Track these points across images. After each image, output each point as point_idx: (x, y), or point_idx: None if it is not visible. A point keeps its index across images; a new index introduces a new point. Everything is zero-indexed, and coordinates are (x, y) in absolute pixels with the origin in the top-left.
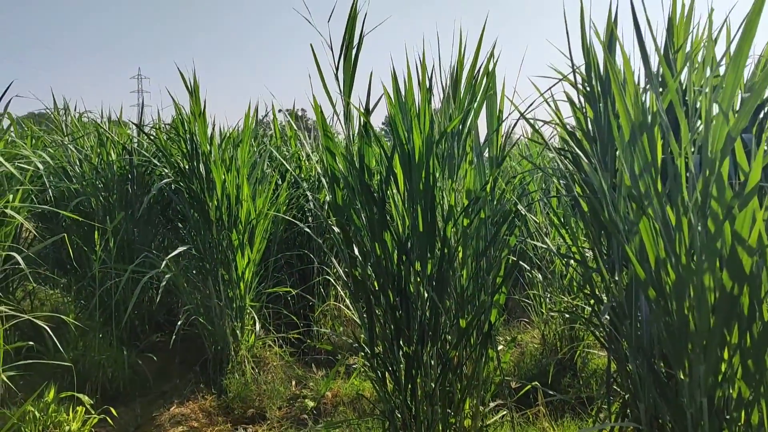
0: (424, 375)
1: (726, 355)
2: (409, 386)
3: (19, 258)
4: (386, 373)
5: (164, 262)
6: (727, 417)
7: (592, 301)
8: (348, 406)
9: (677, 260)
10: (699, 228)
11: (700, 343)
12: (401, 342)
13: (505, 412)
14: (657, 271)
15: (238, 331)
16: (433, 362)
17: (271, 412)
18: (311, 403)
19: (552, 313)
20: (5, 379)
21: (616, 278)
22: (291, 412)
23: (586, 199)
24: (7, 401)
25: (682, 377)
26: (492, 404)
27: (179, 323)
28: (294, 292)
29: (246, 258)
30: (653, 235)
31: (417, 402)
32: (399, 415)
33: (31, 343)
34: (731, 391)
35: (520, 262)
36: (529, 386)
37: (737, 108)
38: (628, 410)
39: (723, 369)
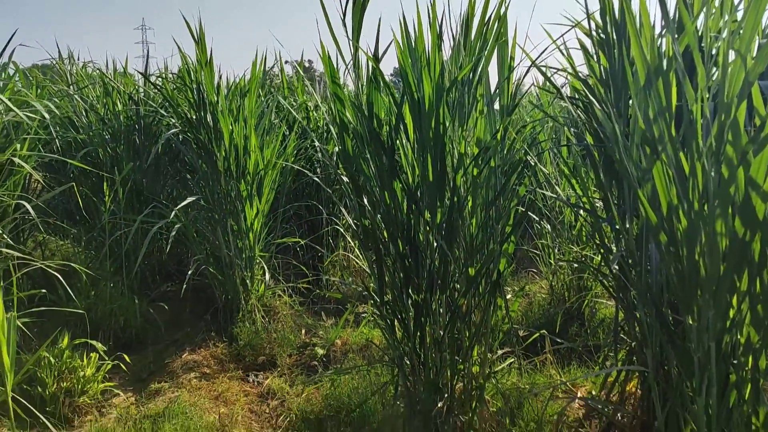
0: (432, 323)
1: (735, 302)
2: (418, 334)
3: (29, 207)
4: (395, 321)
5: (173, 212)
6: (734, 362)
7: (601, 251)
8: (357, 354)
9: (689, 206)
10: (713, 174)
11: (710, 288)
12: (410, 290)
13: (512, 360)
14: (669, 217)
15: (248, 281)
16: (441, 310)
17: (281, 360)
18: (321, 351)
19: (560, 263)
20: (20, 325)
21: (627, 226)
22: (301, 359)
23: (597, 148)
24: (23, 347)
25: (690, 322)
26: (500, 352)
27: (189, 273)
28: (303, 243)
29: (255, 209)
30: (666, 181)
31: (426, 349)
32: (408, 362)
33: (44, 291)
34: (739, 336)
35: (529, 213)
36: (536, 335)
37: (754, 54)
38: (635, 358)
39: (732, 315)
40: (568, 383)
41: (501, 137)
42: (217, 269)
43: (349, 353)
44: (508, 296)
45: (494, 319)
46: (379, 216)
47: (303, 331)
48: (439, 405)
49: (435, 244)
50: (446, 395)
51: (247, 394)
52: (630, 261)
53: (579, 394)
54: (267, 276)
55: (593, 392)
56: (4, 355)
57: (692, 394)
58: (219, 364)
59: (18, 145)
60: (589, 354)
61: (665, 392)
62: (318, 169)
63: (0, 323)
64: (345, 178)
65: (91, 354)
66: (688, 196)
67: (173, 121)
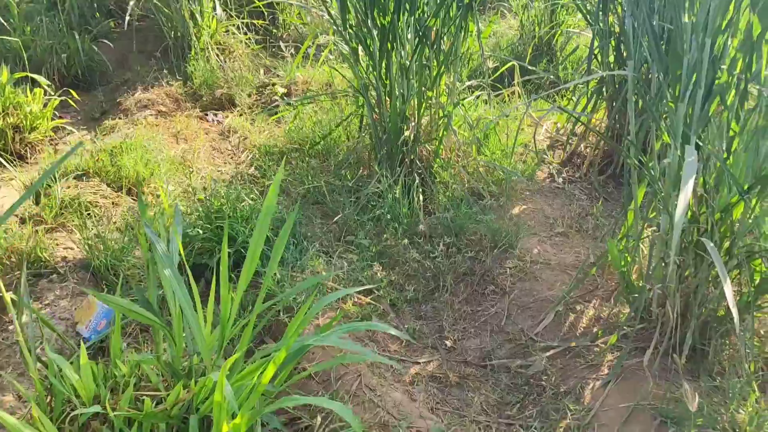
0: (399, 48)
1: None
2: (384, 62)
3: None
4: (359, 48)
5: None
6: (723, 67)
7: None
8: (320, 91)
9: None
10: None
11: None
12: (375, 12)
13: (480, 92)
14: None
15: (197, 15)
16: (409, 35)
17: (240, 99)
18: (282, 90)
19: None
20: None
21: None
22: (261, 99)
23: None
24: None
25: (686, 20)
26: (468, 82)
27: (131, 3)
28: None
29: None
30: None
31: (392, 78)
32: (374, 93)
33: None
34: (731, 39)
35: None
36: (507, 65)
37: None
38: (604, 89)
39: (729, 14)
40: (534, 115)
41: None
42: (163, 1)
43: (311, 91)
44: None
45: (464, 47)
46: None
47: (261, 71)
48: (405, 134)
49: None
50: (413, 124)
51: (207, 132)
52: None
53: (545, 126)
54: (218, 8)
55: (558, 125)
56: None
57: (672, 103)
58: (175, 102)
59: None
60: (555, 90)
61: (641, 109)
62: None
63: None
64: None
65: (36, 90)
66: None
67: None
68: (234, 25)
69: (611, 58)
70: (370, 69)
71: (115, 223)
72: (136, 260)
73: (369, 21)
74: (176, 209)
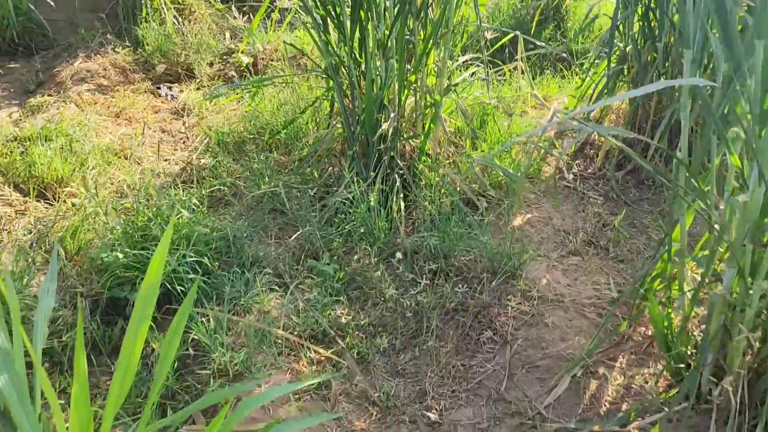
0: (376, 19)
1: None
2: (357, 35)
3: None
4: (327, 18)
5: None
6: None
7: None
8: (289, 63)
9: None
10: None
11: None
12: None
13: (476, 68)
14: None
15: None
16: (388, 2)
17: (199, 69)
18: (246, 59)
19: None
20: None
21: None
22: (225, 69)
23: None
24: None
25: None
26: (462, 58)
27: None
28: None
29: None
30: None
31: (368, 55)
32: (345, 72)
33: None
34: None
35: None
36: (508, 36)
37: None
38: (626, 66)
39: None
40: (538, 95)
41: None
42: None
43: (280, 61)
44: None
45: (458, 15)
46: None
47: (227, 35)
48: (383, 126)
49: None
50: (393, 114)
51: (158, 110)
52: None
53: (552, 108)
54: None
55: (568, 106)
56: None
57: (749, 114)
58: (121, 74)
59: None
60: (564, 62)
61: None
62: None
63: None
64: None
65: None
66: None
67: None
68: None
69: (636, 27)
70: (342, 44)
71: (15, 241)
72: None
73: None
74: (53, 255)
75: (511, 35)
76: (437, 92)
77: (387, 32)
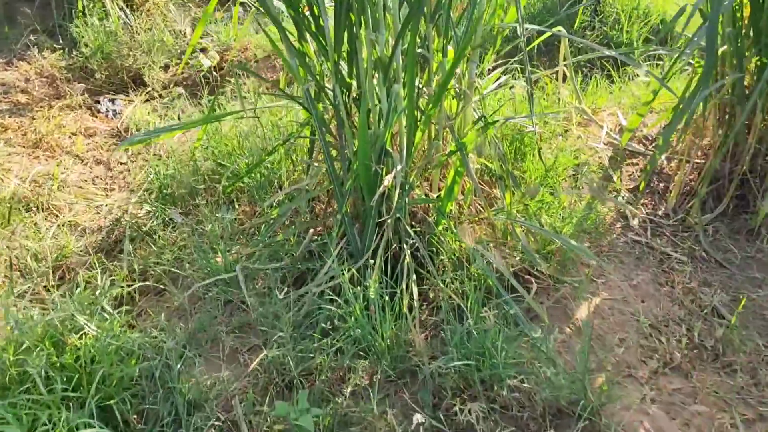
0: (372, 24)
1: None
2: (347, 46)
3: None
4: (299, 22)
5: None
6: None
7: None
8: (261, 66)
9: None
10: None
11: None
12: None
13: (504, 79)
14: None
15: None
16: (389, 1)
17: (151, 74)
18: (208, 61)
19: None
20: None
21: None
22: (184, 72)
23: None
24: None
25: None
26: (493, 70)
27: None
28: None
29: None
30: None
31: (360, 76)
32: (329, 100)
33: None
34: None
35: None
36: (545, 36)
37: None
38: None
39: None
40: (587, 110)
41: None
42: None
43: (250, 62)
44: None
45: (488, 11)
46: None
47: (188, 30)
48: (386, 180)
49: None
50: (399, 166)
51: (93, 133)
52: None
53: (605, 128)
54: None
55: (623, 120)
56: None
57: None
58: (49, 85)
59: None
60: (609, 59)
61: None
62: None
63: None
64: None
65: None
66: None
67: None
68: None
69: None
70: (322, 58)
71: None
72: None
73: None
74: None
75: (548, 34)
76: (462, 125)
77: (391, 46)
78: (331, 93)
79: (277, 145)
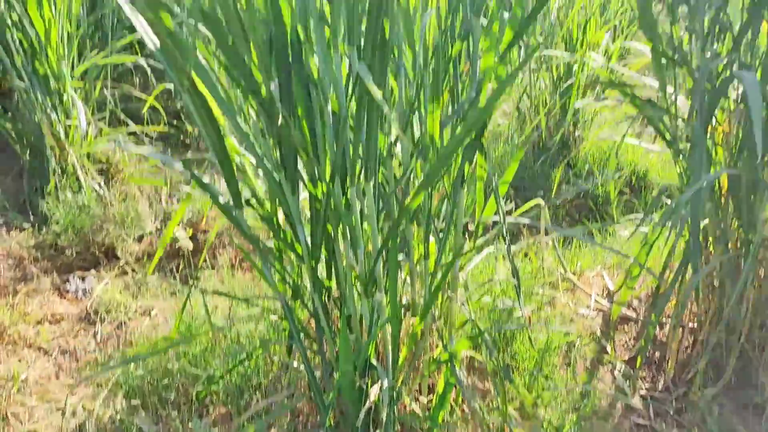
0: (352, 242)
1: None
2: (333, 268)
3: None
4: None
5: None
6: None
7: None
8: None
9: None
10: None
11: None
12: (307, 176)
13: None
14: None
15: (59, 127)
16: (366, 209)
17: (123, 247)
18: (184, 237)
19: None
20: None
21: None
22: (158, 245)
23: None
24: None
25: None
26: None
27: None
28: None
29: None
30: None
31: (341, 283)
32: (307, 303)
33: None
34: None
35: None
36: (530, 204)
37: None
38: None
39: None
40: (573, 277)
41: None
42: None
43: (231, 240)
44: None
45: (469, 197)
46: None
47: (165, 195)
48: (372, 394)
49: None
50: (386, 381)
51: (60, 318)
52: None
53: (593, 295)
54: (82, 118)
55: (610, 284)
56: None
57: None
58: (16, 267)
59: None
60: (587, 212)
61: None
62: None
63: None
64: None
65: None
66: None
67: None
68: (121, 133)
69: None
70: (300, 262)
71: None
72: None
73: (287, 186)
74: None
75: (533, 202)
76: (448, 327)
77: (370, 262)
78: (307, 299)
79: (251, 352)
